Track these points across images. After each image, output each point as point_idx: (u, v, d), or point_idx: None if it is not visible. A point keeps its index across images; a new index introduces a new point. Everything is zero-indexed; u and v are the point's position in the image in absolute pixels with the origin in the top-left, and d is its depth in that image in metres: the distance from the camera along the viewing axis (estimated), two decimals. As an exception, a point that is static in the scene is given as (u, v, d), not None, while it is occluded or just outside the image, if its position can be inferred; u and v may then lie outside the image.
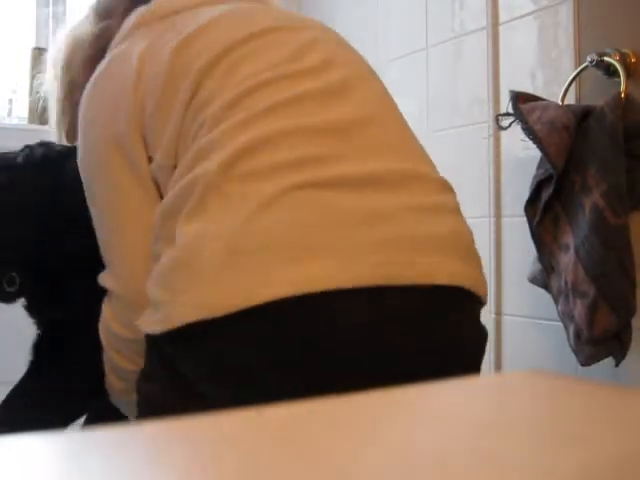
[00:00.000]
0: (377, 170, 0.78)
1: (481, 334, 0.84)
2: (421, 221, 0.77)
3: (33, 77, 1.87)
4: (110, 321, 0.91)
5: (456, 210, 0.87)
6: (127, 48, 0.90)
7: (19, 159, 0.97)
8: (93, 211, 0.90)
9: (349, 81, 0.84)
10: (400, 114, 0.90)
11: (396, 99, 1.87)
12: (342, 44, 0.94)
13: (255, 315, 0.68)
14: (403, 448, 0.29)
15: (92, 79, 0.92)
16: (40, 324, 1.08)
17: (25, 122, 1.91)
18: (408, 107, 1.83)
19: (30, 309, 1.05)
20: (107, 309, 0.91)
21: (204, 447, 0.31)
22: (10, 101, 1.95)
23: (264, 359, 0.70)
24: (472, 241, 0.86)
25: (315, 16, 2.22)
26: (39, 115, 1.90)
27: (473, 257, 0.84)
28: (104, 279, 0.90)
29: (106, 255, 0.90)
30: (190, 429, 0.34)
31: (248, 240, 0.70)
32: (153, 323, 0.76)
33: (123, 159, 0.85)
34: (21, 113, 1.93)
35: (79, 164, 0.91)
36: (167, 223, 0.79)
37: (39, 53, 1.91)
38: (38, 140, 1.95)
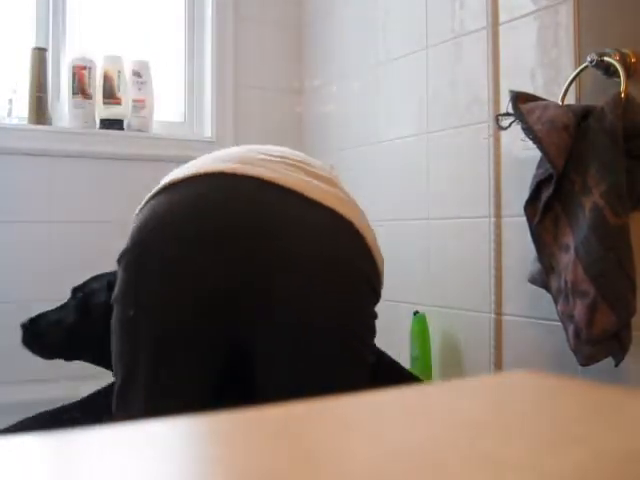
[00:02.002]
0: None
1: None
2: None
3: (33, 77, 1.88)
4: None
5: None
6: None
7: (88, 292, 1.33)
8: None
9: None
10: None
11: (396, 99, 1.88)
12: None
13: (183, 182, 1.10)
14: (403, 448, 0.29)
15: None
16: None
17: (25, 122, 1.91)
18: (408, 107, 1.84)
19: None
20: None
21: (203, 447, 0.31)
22: (10, 101, 1.95)
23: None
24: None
25: (315, 17, 2.22)
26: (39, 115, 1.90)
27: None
28: None
29: None
30: (190, 429, 0.34)
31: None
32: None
33: None
34: (21, 113, 1.92)
35: None
36: None
37: (39, 53, 1.91)
38: (37, 139, 1.96)
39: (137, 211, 1.14)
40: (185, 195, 1.08)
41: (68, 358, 1.33)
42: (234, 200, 1.07)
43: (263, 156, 1.12)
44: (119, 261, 1.11)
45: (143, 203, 1.13)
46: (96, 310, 1.25)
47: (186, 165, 1.15)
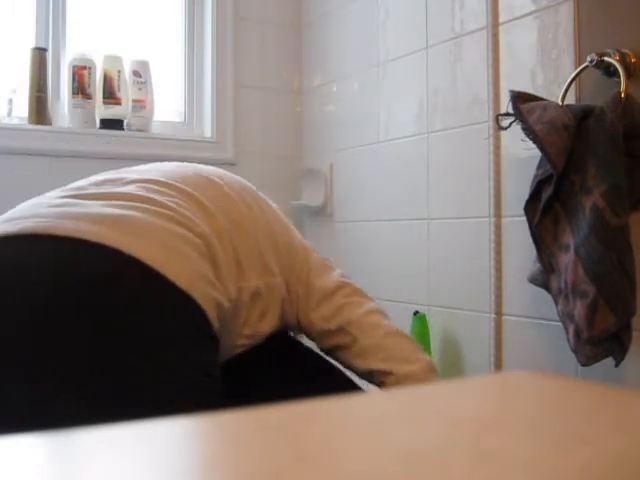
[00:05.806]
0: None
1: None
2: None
3: (33, 77, 1.88)
4: None
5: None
6: None
7: None
8: None
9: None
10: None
11: (396, 99, 1.88)
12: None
13: None
14: (403, 448, 0.29)
15: None
16: None
17: (25, 122, 1.91)
18: (408, 107, 1.84)
19: None
20: None
21: (203, 447, 0.31)
22: (10, 101, 1.95)
23: None
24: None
25: (315, 17, 2.22)
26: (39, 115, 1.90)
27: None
28: None
29: None
30: (189, 429, 0.34)
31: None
32: None
33: None
34: (21, 113, 1.92)
35: None
36: None
37: (39, 53, 1.91)
38: (37, 139, 1.95)
39: None
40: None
41: None
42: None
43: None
44: None
45: None
46: None
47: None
